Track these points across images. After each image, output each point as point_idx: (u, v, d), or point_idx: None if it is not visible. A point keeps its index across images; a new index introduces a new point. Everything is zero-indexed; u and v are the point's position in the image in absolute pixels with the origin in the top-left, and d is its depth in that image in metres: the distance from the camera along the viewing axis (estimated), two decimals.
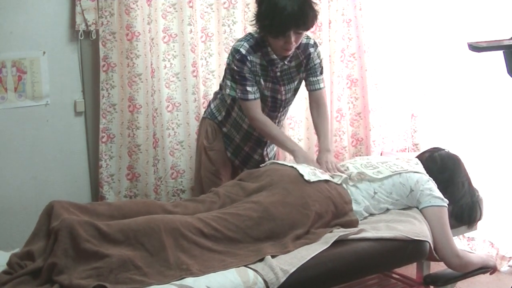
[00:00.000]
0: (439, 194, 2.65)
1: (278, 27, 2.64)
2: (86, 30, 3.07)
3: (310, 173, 2.59)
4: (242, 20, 3.38)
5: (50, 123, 3.09)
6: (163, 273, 2.11)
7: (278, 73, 2.84)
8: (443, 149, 2.94)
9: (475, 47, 1.88)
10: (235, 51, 2.78)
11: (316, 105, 2.99)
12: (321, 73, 2.97)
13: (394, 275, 2.87)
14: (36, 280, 2.06)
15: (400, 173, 2.66)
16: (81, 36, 3.07)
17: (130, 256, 2.10)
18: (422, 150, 3.23)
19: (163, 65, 3.24)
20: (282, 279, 2.16)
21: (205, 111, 3.09)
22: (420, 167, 2.74)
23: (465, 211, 2.81)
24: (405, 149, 3.87)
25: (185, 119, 3.31)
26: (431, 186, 2.66)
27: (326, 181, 2.59)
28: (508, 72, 2.05)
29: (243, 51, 2.76)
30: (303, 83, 2.99)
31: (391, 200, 2.66)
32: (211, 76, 3.38)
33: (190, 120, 3.31)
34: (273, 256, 2.26)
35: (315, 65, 2.92)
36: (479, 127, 3.53)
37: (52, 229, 2.14)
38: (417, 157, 2.95)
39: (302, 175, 2.55)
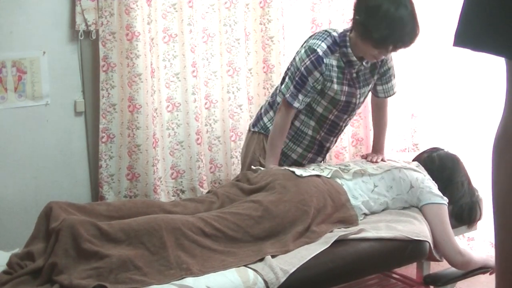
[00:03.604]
0: (439, 192, 2.66)
1: (393, 41, 2.55)
2: (86, 30, 3.06)
3: (300, 169, 2.63)
4: (243, 20, 3.38)
5: (50, 123, 3.09)
6: (163, 272, 2.11)
7: (354, 74, 2.74)
8: (442, 149, 2.94)
9: None
10: (310, 51, 2.65)
11: (379, 109, 3.05)
12: (394, 77, 2.92)
13: (394, 275, 2.87)
14: (36, 280, 2.06)
15: (399, 169, 2.69)
16: (81, 36, 3.07)
17: (130, 256, 2.10)
18: (422, 150, 3.22)
19: (163, 65, 3.24)
20: (282, 279, 2.16)
21: (254, 124, 2.98)
22: (420, 168, 2.75)
23: (465, 211, 2.81)
24: (405, 149, 3.87)
25: (185, 119, 3.31)
26: (430, 184, 2.67)
27: (318, 176, 2.61)
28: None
29: (320, 52, 2.64)
30: None
31: (392, 195, 2.66)
32: (213, 76, 3.37)
33: (190, 120, 3.30)
34: (273, 256, 2.26)
35: (389, 68, 2.87)
36: (479, 127, 3.52)
37: (52, 229, 2.14)
38: (415, 157, 2.96)
39: (293, 172, 2.57)
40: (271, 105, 2.93)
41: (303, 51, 2.71)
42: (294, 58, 2.77)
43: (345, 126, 2.97)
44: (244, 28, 3.39)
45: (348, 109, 2.84)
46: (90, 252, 2.08)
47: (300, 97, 2.69)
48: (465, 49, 1.40)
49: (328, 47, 2.67)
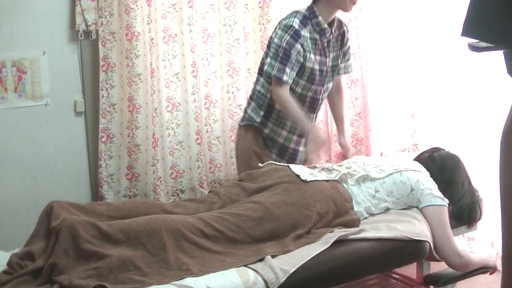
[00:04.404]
0: (439, 194, 2.65)
1: None
2: (86, 30, 3.07)
3: (306, 172, 2.60)
4: (243, 20, 3.39)
5: (50, 123, 3.09)
6: (163, 273, 2.11)
7: (325, 44, 2.91)
8: (443, 149, 2.94)
9: (475, 47, 1.87)
10: (287, 27, 2.80)
11: (337, 88, 3.15)
12: (351, 56, 3.13)
13: (394, 275, 2.87)
14: (36, 280, 2.06)
15: (401, 172, 2.67)
16: (81, 36, 3.07)
17: (130, 256, 2.09)
18: (422, 150, 3.23)
19: (162, 65, 3.24)
20: (282, 279, 2.16)
21: (241, 120, 3.06)
22: (420, 167, 2.75)
23: (465, 211, 2.81)
24: (405, 149, 3.87)
25: (185, 119, 3.31)
26: (431, 185, 2.67)
27: (326, 180, 2.59)
28: (508, 72, 2.04)
29: (296, 26, 2.79)
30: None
31: (392, 199, 2.66)
32: (212, 76, 3.37)
33: (190, 120, 3.31)
34: (273, 256, 2.26)
35: (349, 47, 3.07)
36: (479, 127, 3.53)
37: (53, 229, 2.14)
38: (416, 157, 2.96)
39: (298, 175, 2.55)
40: (252, 96, 3.02)
41: (280, 31, 2.83)
42: (272, 41, 2.86)
43: (322, 100, 3.05)
44: (243, 28, 3.39)
45: (321, 78, 2.94)
46: (90, 252, 2.08)
47: (287, 70, 2.79)
48: (473, 39, 1.38)
49: (301, 21, 2.83)
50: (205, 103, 3.38)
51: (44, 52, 3.02)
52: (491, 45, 1.43)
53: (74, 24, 3.05)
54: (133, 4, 3.06)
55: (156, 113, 3.24)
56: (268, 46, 2.90)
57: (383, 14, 3.71)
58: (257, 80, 2.98)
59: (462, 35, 1.35)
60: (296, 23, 2.80)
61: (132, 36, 3.08)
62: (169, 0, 3.21)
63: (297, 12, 2.87)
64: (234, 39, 3.37)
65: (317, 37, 2.86)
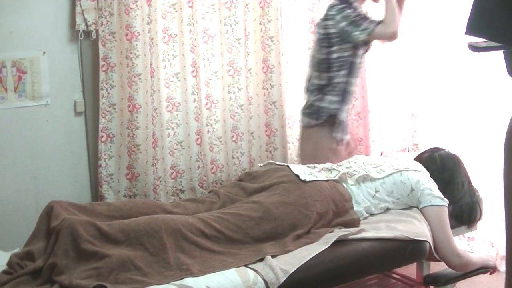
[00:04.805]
0: (439, 194, 2.65)
1: None
2: (86, 30, 3.07)
3: (306, 172, 2.59)
4: (243, 19, 3.39)
5: (50, 123, 3.09)
6: (163, 273, 2.11)
7: None
8: (443, 149, 2.94)
9: (475, 47, 1.87)
10: (341, 9, 3.04)
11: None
12: None
13: (394, 275, 2.87)
14: (36, 280, 2.06)
15: (401, 172, 2.67)
16: (81, 36, 3.07)
17: (130, 256, 2.10)
18: (422, 150, 3.23)
19: (162, 65, 3.24)
20: (282, 279, 2.16)
21: (316, 118, 3.12)
22: (420, 167, 2.75)
23: (465, 211, 2.81)
24: (405, 149, 3.87)
25: (185, 119, 3.31)
26: (431, 185, 2.67)
27: (326, 180, 2.59)
28: (508, 72, 2.04)
29: (345, 6, 3.05)
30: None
31: (392, 199, 2.66)
32: (213, 76, 3.37)
33: (190, 120, 3.31)
34: (273, 256, 2.26)
35: None
36: (479, 127, 3.52)
37: (53, 229, 2.14)
38: (416, 157, 2.96)
39: (297, 175, 2.55)
40: (320, 91, 3.13)
41: (338, 16, 3.04)
42: (337, 26, 3.04)
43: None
44: (244, 28, 3.39)
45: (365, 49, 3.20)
46: (90, 252, 2.08)
47: (369, 22, 3.06)
48: (478, 37, 1.38)
49: (344, 7, 3.07)
50: (206, 103, 3.37)
51: (44, 52, 3.02)
52: (491, 45, 1.43)
53: (74, 24, 3.05)
54: (133, 4, 3.06)
55: (156, 113, 3.24)
56: (326, 39, 3.06)
57: (382, 14, 3.70)
58: (317, 76, 3.12)
59: (466, 33, 1.35)
60: (343, 4, 3.06)
61: (132, 36, 3.08)
62: (169, 0, 3.21)
63: (333, 4, 3.10)
64: (235, 39, 3.37)
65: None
